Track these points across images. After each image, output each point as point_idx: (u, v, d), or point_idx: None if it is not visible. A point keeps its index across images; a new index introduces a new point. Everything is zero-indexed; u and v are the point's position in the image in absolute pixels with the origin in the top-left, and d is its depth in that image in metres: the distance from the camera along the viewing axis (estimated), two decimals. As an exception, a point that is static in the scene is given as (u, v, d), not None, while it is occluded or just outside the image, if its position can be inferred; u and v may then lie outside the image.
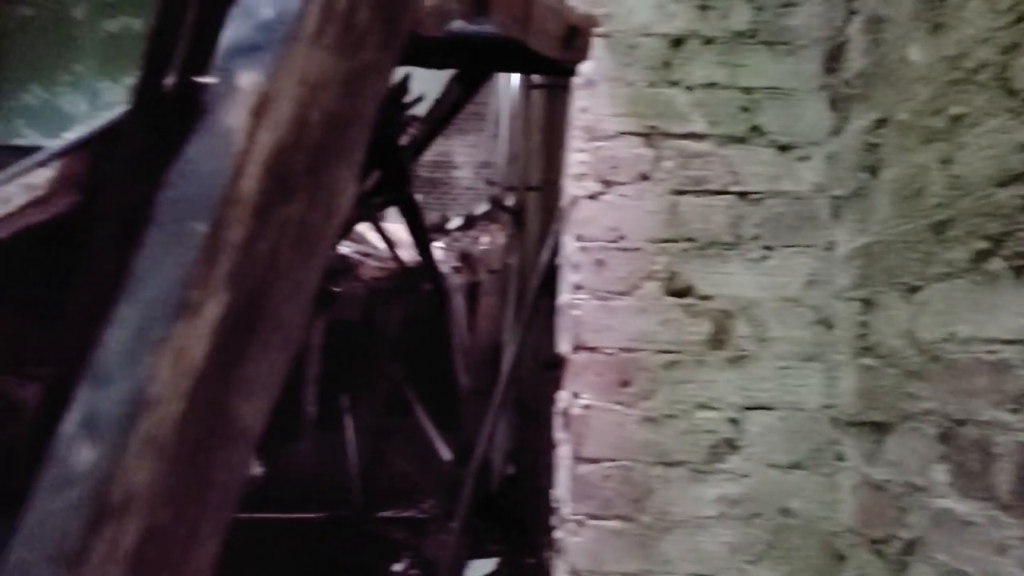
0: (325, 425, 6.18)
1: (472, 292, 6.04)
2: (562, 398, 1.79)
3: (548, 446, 4.67)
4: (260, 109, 1.00)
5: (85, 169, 3.31)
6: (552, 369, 4.61)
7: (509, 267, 5.40)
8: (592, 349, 1.66)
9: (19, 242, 3.54)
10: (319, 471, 5.82)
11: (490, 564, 4.82)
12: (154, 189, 2.37)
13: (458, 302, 5.97)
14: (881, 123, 1.52)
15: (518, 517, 5.19)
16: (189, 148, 1.05)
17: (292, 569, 4.74)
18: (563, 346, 1.77)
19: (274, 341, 1.12)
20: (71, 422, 0.94)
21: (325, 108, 1.07)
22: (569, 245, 1.73)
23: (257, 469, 4.25)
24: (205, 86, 1.10)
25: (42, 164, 3.69)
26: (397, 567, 5.11)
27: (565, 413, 1.75)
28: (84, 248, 2.93)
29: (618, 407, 1.65)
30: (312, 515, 5.48)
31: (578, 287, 1.68)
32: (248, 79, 0.97)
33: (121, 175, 2.63)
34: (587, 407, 1.66)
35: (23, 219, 3.43)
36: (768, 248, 1.69)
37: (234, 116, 0.99)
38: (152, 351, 0.96)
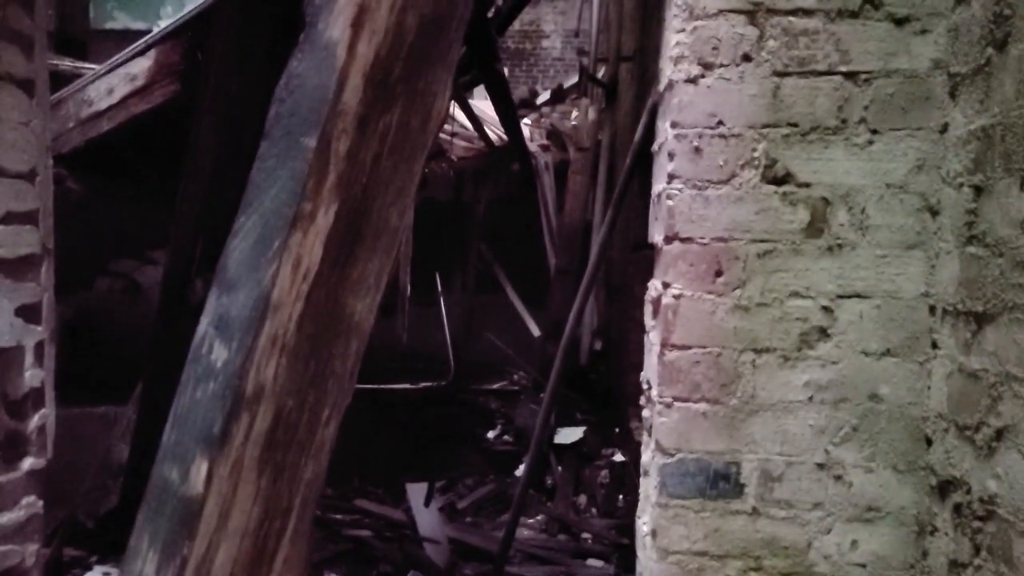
0: (420, 301, 6.43)
1: (561, 170, 5.98)
2: (653, 287, 1.82)
3: (634, 324, 4.75)
4: (359, 19, 1.01)
5: (181, 57, 3.39)
6: (640, 250, 4.61)
7: (600, 144, 5.29)
8: (686, 240, 1.67)
9: (127, 132, 3.71)
10: (415, 345, 6.09)
11: (577, 432, 5.06)
12: (251, 77, 2.44)
13: (547, 180, 5.94)
14: (1010, -7, 1.40)
15: (604, 390, 5.37)
16: (294, 63, 1.08)
17: (393, 436, 5.09)
18: (655, 236, 1.78)
19: (380, 244, 1.18)
20: (205, 324, 1.05)
21: (421, 11, 1.07)
22: (665, 132, 1.70)
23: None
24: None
25: (140, 53, 3.80)
26: (491, 433, 5.43)
27: (655, 302, 1.78)
28: (188, 136, 3.06)
29: (709, 296, 1.67)
30: (410, 386, 5.80)
31: (673, 176, 1.67)
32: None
33: (218, 64, 2.70)
34: (678, 296, 1.68)
35: (127, 110, 3.59)
36: (874, 132, 1.62)
37: (335, 28, 1.00)
38: (272, 259, 1.03)
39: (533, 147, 6.01)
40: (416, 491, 4.57)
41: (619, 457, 4.67)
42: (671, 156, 1.69)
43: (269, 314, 0.98)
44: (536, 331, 5.97)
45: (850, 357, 1.64)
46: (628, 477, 4.38)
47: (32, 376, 1.76)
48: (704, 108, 1.67)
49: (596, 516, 4.47)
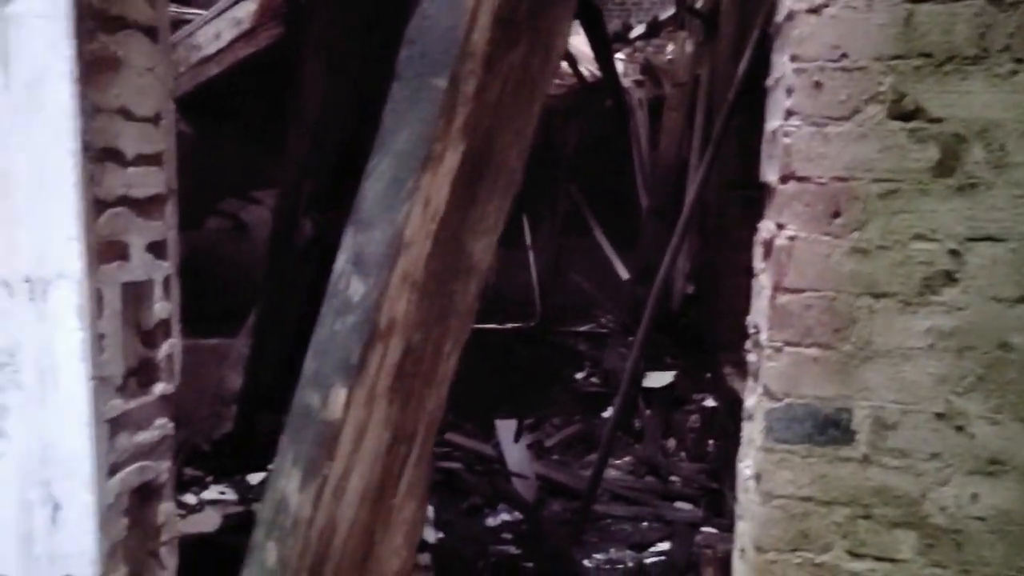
0: (507, 243, 6.46)
1: (655, 107, 5.80)
2: (764, 228, 1.77)
3: (730, 267, 4.64)
4: (488, -45, 1.01)
5: (285, 0, 3.44)
6: (738, 190, 4.47)
7: (698, 79, 5.10)
8: (802, 179, 1.60)
9: (233, 75, 3.81)
10: (502, 286, 6.13)
11: (667, 376, 5.04)
12: (355, 21, 2.46)
13: (640, 118, 5.79)
14: None
15: (696, 334, 5.32)
16: (425, 4, 1.08)
17: (483, 374, 5.19)
18: (769, 175, 1.72)
19: (499, 185, 1.19)
20: (343, 260, 1.10)
21: (545, -56, 1.05)
22: (782, 66, 1.63)
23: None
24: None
25: (244, -3, 3.84)
26: (579, 375, 5.48)
27: (767, 243, 1.73)
28: (292, 79, 3.12)
29: (826, 238, 1.61)
30: (498, 326, 5.87)
31: (791, 113, 1.60)
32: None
33: (322, 8, 2.72)
34: (792, 238, 1.63)
35: (233, 53, 3.68)
36: (1019, 61, 1.50)
37: (466, -34, 1.01)
38: (405, 199, 1.06)
39: (626, 83, 5.83)
40: (505, 427, 4.68)
41: (710, 402, 4.64)
42: (789, 91, 1.62)
43: (402, 252, 1.02)
44: (624, 274, 5.91)
45: (979, 303, 1.56)
46: (719, 422, 4.36)
47: (161, 308, 1.87)
48: (826, 40, 1.58)
49: (685, 460, 4.48)
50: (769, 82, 1.83)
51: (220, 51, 3.32)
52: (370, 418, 1.12)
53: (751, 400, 1.80)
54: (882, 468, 1.63)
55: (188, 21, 3.80)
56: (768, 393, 1.68)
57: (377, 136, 1.07)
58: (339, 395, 1.13)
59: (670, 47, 5.90)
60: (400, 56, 1.06)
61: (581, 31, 4.95)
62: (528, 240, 6.34)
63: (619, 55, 5.98)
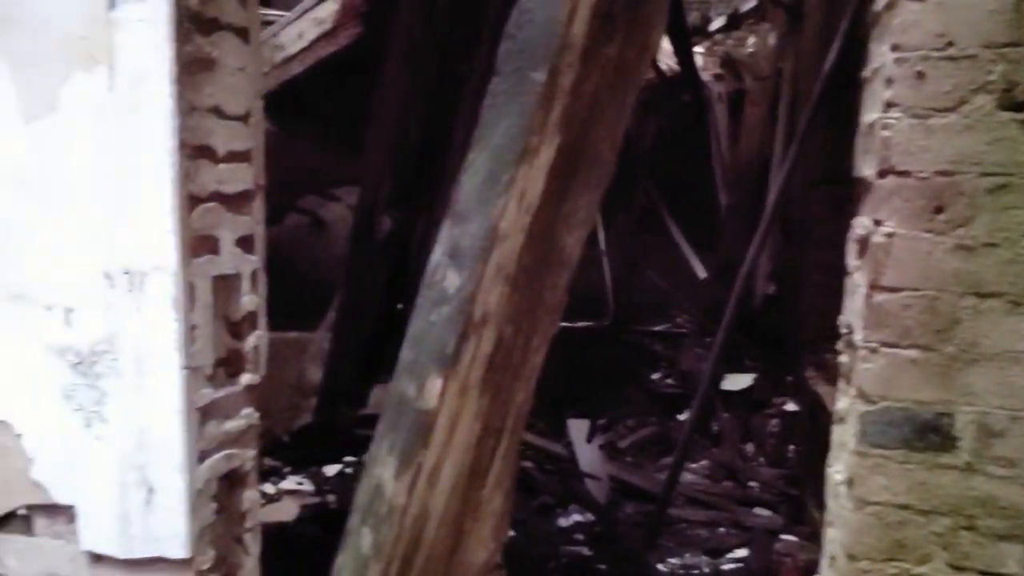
0: (582, 240, 6.36)
1: (735, 101, 5.65)
2: (859, 225, 1.70)
3: (814, 265, 4.49)
4: (584, -53, 0.99)
5: (365, 0, 3.49)
6: (825, 186, 4.31)
7: (781, 72, 4.94)
8: (902, 173, 1.53)
9: (315, 74, 3.89)
10: (576, 283, 6.02)
11: (746, 378, 4.91)
12: (436, 20, 2.47)
13: (719, 113, 5.65)
14: None
15: (777, 336, 5.16)
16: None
17: (555, 372, 5.16)
18: (865, 170, 1.65)
19: (592, 178, 1.17)
20: (439, 252, 1.11)
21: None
22: (882, 56, 1.56)
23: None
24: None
25: (326, -2, 3.92)
26: (654, 376, 5.39)
27: (862, 240, 1.67)
28: (371, 78, 3.16)
29: (927, 235, 1.54)
30: (570, 324, 5.81)
31: (890, 104, 1.53)
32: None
33: (405, 8, 2.75)
34: (890, 235, 1.56)
35: (315, 52, 3.76)
36: None
37: (564, -41, 0.99)
38: (501, 192, 1.06)
39: (705, 77, 5.71)
40: (577, 427, 4.64)
41: (791, 406, 4.50)
42: (889, 82, 1.54)
43: (496, 245, 1.02)
44: (702, 272, 5.79)
45: (1096, 305, 1.47)
46: (800, 427, 4.23)
47: (249, 301, 1.92)
48: (931, 28, 1.50)
49: (764, 465, 4.36)
50: (865, 73, 1.75)
51: (302, 50, 3.39)
52: (463, 409, 1.13)
53: (843, 402, 1.74)
54: (987, 477, 1.54)
55: (271, 23, 3.90)
56: (862, 395, 1.61)
57: (476, 130, 1.07)
58: (434, 385, 1.14)
59: (751, 40, 5.75)
60: (500, 50, 1.06)
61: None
62: (602, 237, 6.28)
63: (698, 49, 5.86)
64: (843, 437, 1.72)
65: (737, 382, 4.85)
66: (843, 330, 1.77)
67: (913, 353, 1.57)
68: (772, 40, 5.25)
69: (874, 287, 1.58)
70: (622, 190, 6.18)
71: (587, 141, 1.06)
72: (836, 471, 1.75)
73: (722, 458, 4.38)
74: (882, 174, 1.56)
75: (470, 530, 1.21)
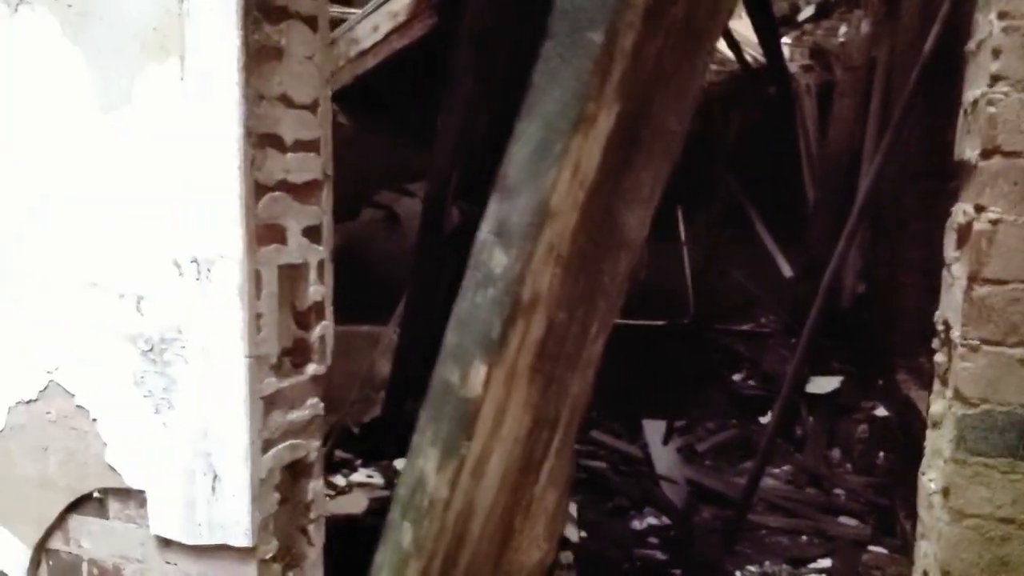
0: (660, 235, 6.21)
1: (825, 93, 5.40)
2: (959, 211, 1.55)
3: (906, 264, 4.23)
4: None
5: (439, -8, 3.47)
6: (920, 180, 4.07)
7: (874, 62, 4.69)
8: (1010, 154, 1.39)
9: (389, 68, 3.90)
10: (653, 280, 5.91)
11: (833, 382, 4.68)
12: (506, 7, 2.39)
13: (807, 105, 5.41)
14: None
15: (867, 337, 4.90)
16: (583, -43, 1.01)
17: (631, 371, 5.05)
18: (967, 151, 1.51)
19: (657, 150, 1.09)
20: (485, 230, 1.05)
21: None
22: (988, 26, 1.41)
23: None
24: None
25: (401, -10, 3.92)
26: (736, 377, 5.20)
27: (962, 229, 1.52)
28: (446, 69, 3.13)
29: (1038, 221, 1.39)
30: (649, 322, 5.67)
31: (997, 78, 1.38)
32: None
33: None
34: (995, 221, 1.42)
35: (389, 45, 3.77)
36: None
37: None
38: (553, 164, 0.99)
39: (793, 67, 5.47)
40: (653, 428, 4.52)
41: (881, 411, 4.26)
42: (995, 54, 1.40)
43: (547, 222, 0.95)
44: (788, 270, 5.55)
45: None
46: (890, 433, 4.00)
47: (315, 291, 1.91)
48: (1043, -9, 1.36)
49: (851, 472, 4.15)
50: (969, 46, 1.60)
51: (376, 44, 3.40)
52: (510, 398, 1.07)
53: (938, 405, 1.60)
54: (1104, 492, 1.38)
55: (344, 20, 3.94)
56: (960, 398, 1.47)
57: (525, 98, 1.00)
58: (479, 371, 1.08)
59: (843, 29, 5.48)
60: (553, 11, 0.99)
61: (745, 15, 4.69)
62: (682, 233, 6.10)
63: (785, 39, 5.63)
64: (938, 443, 1.58)
65: (823, 385, 4.63)
66: (939, 326, 1.63)
67: (1020, 352, 1.43)
68: (865, 28, 4.98)
69: (975, 279, 1.45)
70: (703, 185, 5.99)
71: (650, 109, 0.97)
72: (930, 480, 1.61)
73: (806, 463, 4.19)
74: (986, 155, 1.42)
75: (521, 528, 1.15)
